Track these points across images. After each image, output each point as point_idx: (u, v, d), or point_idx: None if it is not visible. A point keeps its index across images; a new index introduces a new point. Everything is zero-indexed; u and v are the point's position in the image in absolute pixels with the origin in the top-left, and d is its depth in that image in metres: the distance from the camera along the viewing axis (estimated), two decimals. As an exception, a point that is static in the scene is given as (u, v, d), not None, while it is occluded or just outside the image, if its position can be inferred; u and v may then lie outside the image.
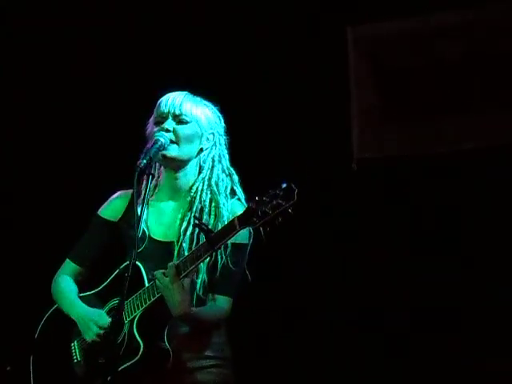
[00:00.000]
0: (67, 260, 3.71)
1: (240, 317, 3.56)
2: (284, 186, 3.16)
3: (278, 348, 5.04)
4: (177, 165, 3.56)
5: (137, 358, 3.31)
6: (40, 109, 5.46)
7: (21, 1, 5.42)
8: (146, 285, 3.39)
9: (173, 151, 3.51)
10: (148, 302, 3.36)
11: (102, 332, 3.39)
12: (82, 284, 3.69)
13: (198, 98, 3.63)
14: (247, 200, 3.56)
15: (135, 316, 3.37)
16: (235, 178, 3.63)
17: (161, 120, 3.55)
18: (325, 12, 5.02)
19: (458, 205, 4.87)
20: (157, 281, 3.33)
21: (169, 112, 3.54)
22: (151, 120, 3.63)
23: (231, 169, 3.64)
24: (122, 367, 3.31)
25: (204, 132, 3.59)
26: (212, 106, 3.65)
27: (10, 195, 5.45)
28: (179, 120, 3.54)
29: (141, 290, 3.38)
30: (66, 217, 5.17)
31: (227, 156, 3.65)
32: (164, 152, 3.49)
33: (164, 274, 3.32)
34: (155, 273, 3.34)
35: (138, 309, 3.36)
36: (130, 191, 3.65)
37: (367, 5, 4.99)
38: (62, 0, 5.37)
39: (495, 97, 4.88)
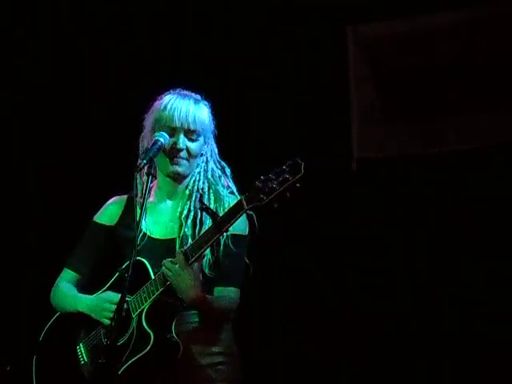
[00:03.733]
0: (66, 269, 3.70)
1: (243, 314, 3.57)
2: (289, 161, 3.16)
3: (282, 345, 5.06)
4: (182, 176, 3.59)
5: (148, 347, 3.30)
6: (37, 112, 5.46)
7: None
8: (152, 277, 3.38)
9: (184, 168, 3.55)
10: (156, 293, 3.35)
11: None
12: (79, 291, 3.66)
13: (200, 104, 3.61)
14: (240, 192, 3.57)
15: (143, 309, 3.37)
16: (227, 170, 3.66)
17: (170, 132, 3.52)
18: (325, 12, 5.02)
19: (458, 204, 4.87)
20: (165, 269, 3.32)
21: (181, 127, 3.52)
22: (151, 115, 3.61)
23: (222, 162, 3.67)
24: (133, 359, 3.31)
25: (206, 139, 3.61)
26: (207, 105, 3.65)
27: (5, 200, 5.45)
28: (190, 136, 3.54)
29: (147, 283, 3.37)
30: (65, 220, 5.17)
31: (216, 150, 3.67)
32: (176, 169, 3.52)
33: (172, 261, 3.32)
34: (164, 261, 3.34)
35: (146, 301, 3.36)
36: (125, 197, 3.68)
37: (367, 5, 4.99)
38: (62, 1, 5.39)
39: (495, 97, 4.88)
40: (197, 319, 3.48)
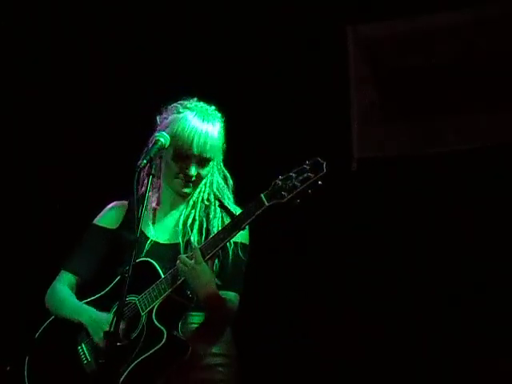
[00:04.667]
0: (64, 271, 3.68)
1: (243, 313, 3.58)
2: (310, 160, 3.19)
3: (280, 347, 5.05)
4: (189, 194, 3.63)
5: (162, 342, 3.32)
6: (37, 112, 5.46)
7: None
8: (162, 276, 3.40)
9: (192, 189, 3.59)
10: (168, 291, 3.36)
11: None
12: (76, 294, 3.66)
13: (216, 121, 3.59)
14: (241, 199, 3.61)
15: (153, 307, 3.38)
16: (229, 181, 3.69)
17: (184, 156, 3.52)
18: (325, 12, 5.02)
19: (458, 204, 4.87)
20: (181, 264, 3.34)
21: (198, 154, 3.52)
22: (167, 131, 3.55)
23: (225, 171, 3.69)
24: (146, 355, 3.33)
25: (215, 160, 3.63)
26: (221, 119, 3.64)
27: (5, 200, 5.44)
28: (202, 163, 3.55)
29: (157, 281, 3.39)
30: (65, 220, 5.17)
31: (221, 157, 3.69)
32: (184, 191, 3.56)
33: (188, 256, 3.35)
34: (180, 256, 3.37)
35: (157, 299, 3.38)
36: (126, 202, 3.70)
37: (367, 5, 4.99)
38: (65, 2, 5.38)
39: (495, 96, 4.88)
40: (198, 320, 3.50)
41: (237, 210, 3.51)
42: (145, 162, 3.36)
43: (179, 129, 3.53)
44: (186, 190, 3.58)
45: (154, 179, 3.60)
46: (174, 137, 3.52)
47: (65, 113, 5.42)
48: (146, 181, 3.48)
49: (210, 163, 3.59)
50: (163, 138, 3.48)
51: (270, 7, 5.11)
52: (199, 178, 3.58)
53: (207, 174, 3.61)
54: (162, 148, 3.48)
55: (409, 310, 4.88)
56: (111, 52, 5.37)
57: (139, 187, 3.53)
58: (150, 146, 3.46)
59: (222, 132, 3.62)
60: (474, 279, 4.80)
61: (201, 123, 3.54)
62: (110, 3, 5.33)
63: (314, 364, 5.02)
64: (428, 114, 5.00)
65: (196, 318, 3.49)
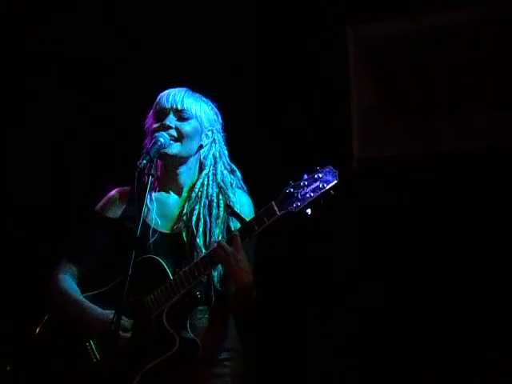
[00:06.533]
0: (65, 260, 3.65)
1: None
2: (322, 168, 3.21)
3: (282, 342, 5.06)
4: (177, 162, 3.59)
5: (175, 348, 3.32)
6: (37, 111, 5.46)
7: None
8: (171, 277, 3.39)
9: (175, 148, 3.55)
10: (177, 295, 3.35)
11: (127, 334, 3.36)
12: (79, 285, 3.64)
13: (197, 95, 3.66)
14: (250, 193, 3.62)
15: (163, 310, 3.37)
16: (238, 174, 3.68)
17: (161, 116, 3.56)
18: (325, 12, 5.02)
19: (458, 204, 4.87)
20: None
21: (170, 108, 3.55)
22: (150, 115, 3.64)
23: (233, 165, 3.68)
24: (160, 359, 3.33)
25: (204, 129, 3.62)
26: (210, 103, 3.67)
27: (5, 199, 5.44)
28: (180, 116, 3.56)
29: (166, 283, 3.37)
30: (65, 219, 5.17)
31: (226, 152, 3.69)
32: (166, 150, 3.51)
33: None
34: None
35: (167, 302, 3.36)
36: (128, 188, 3.67)
37: (367, 5, 4.99)
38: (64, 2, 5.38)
39: (494, 96, 4.88)
40: (206, 316, 3.50)
41: (240, 197, 3.53)
42: (144, 162, 3.37)
43: (156, 99, 3.59)
44: (168, 151, 3.49)
45: (154, 178, 3.60)
46: (153, 109, 3.58)
47: (65, 113, 5.41)
48: (146, 181, 3.47)
49: (191, 122, 3.56)
50: (163, 137, 3.50)
51: (270, 7, 5.11)
52: (180, 134, 3.53)
53: (191, 134, 3.55)
54: (162, 148, 3.48)
55: (409, 310, 4.88)
56: (111, 52, 5.36)
57: (139, 187, 3.53)
58: (150, 145, 3.47)
59: (209, 109, 3.63)
60: (474, 279, 4.80)
61: (175, 88, 3.61)
62: (109, 3, 5.33)
63: (315, 359, 5.03)
64: (428, 114, 5.00)
65: (203, 313, 3.49)
